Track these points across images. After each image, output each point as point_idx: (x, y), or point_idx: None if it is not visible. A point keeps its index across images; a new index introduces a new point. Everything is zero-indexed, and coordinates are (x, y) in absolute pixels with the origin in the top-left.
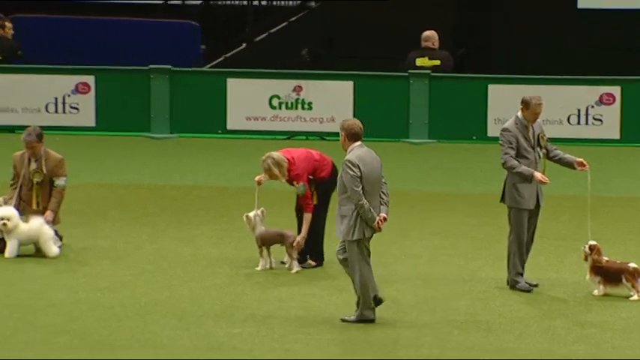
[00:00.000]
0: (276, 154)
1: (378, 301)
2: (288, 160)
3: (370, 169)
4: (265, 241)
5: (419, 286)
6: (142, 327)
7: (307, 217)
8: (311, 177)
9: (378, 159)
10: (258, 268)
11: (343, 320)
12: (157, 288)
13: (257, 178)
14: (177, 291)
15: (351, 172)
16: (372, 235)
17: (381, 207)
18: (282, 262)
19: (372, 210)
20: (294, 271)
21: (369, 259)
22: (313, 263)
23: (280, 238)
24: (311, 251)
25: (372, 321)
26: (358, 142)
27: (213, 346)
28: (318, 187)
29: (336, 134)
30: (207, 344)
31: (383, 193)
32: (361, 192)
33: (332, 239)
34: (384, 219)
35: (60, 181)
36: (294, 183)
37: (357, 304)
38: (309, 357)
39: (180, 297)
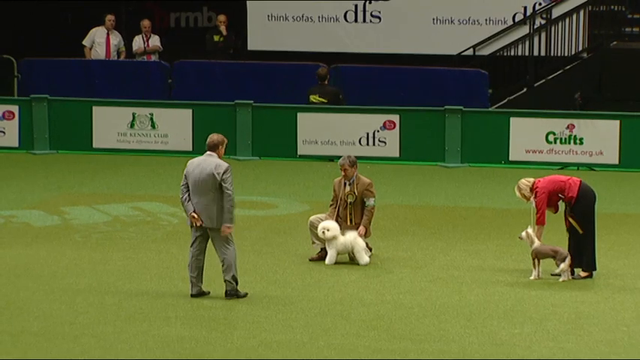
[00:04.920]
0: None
1: (196, 292)
2: (534, 182)
3: (192, 171)
4: (539, 255)
5: None
6: (436, 325)
7: (538, 228)
8: (561, 196)
9: (212, 167)
10: (531, 278)
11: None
12: (449, 292)
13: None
14: (466, 295)
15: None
16: (207, 228)
17: (207, 207)
18: (554, 275)
19: (186, 204)
20: (561, 280)
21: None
22: (583, 274)
23: (553, 254)
24: (584, 262)
25: (204, 294)
26: (208, 152)
27: (497, 343)
28: (574, 208)
29: (604, 165)
30: (491, 341)
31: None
32: (182, 189)
33: (601, 251)
34: (196, 216)
35: (370, 201)
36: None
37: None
38: (580, 355)
39: (468, 300)
